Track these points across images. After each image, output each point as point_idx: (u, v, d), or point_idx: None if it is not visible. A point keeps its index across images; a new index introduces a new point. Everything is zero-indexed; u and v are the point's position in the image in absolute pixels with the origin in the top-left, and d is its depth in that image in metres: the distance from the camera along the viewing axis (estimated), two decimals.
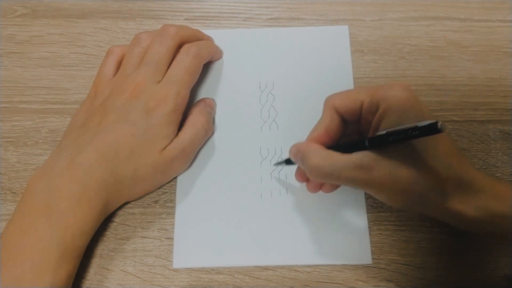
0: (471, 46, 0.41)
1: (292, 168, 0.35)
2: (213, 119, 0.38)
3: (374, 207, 0.35)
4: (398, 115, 0.27)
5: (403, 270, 0.33)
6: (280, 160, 0.36)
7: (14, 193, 0.36)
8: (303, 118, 0.38)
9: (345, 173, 0.27)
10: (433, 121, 0.23)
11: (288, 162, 0.33)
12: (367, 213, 0.35)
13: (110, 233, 0.35)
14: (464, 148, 0.37)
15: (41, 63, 0.42)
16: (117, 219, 0.35)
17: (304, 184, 0.34)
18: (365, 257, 0.33)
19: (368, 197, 0.35)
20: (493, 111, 0.38)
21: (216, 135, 0.38)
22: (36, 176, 0.32)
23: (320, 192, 0.34)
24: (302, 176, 0.33)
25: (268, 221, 0.35)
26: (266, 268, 0.33)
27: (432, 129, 0.23)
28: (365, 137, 0.28)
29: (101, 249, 0.34)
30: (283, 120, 0.38)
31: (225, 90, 0.40)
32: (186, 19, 0.44)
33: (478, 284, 0.33)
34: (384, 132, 0.26)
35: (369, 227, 0.34)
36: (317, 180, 0.31)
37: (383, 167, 0.26)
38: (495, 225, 0.28)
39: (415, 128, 0.24)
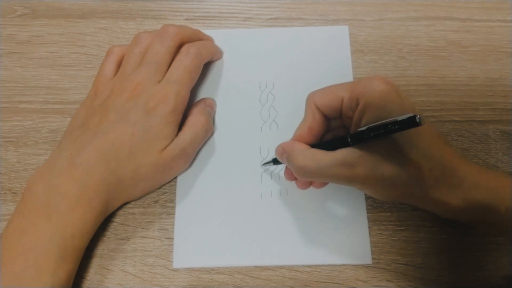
0: (471, 46, 0.41)
1: None
2: (213, 119, 0.38)
3: (374, 207, 0.35)
4: (378, 109, 0.27)
5: (403, 270, 0.33)
6: (267, 160, 0.36)
7: (14, 193, 0.36)
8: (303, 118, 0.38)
9: (330, 171, 0.27)
10: (412, 114, 0.23)
11: (275, 161, 0.34)
12: (367, 213, 0.35)
13: (110, 233, 0.35)
14: (464, 148, 0.37)
15: (41, 63, 0.42)
16: (117, 219, 0.35)
17: None
18: (365, 257, 0.33)
19: (368, 197, 0.35)
20: (493, 111, 0.38)
21: (216, 135, 0.38)
22: (36, 176, 0.32)
23: (320, 192, 0.34)
24: (291, 174, 0.33)
25: (268, 221, 0.35)
26: (266, 268, 0.33)
27: (411, 122, 0.23)
28: (348, 134, 0.28)
29: (101, 249, 0.34)
30: (283, 120, 0.38)
31: (225, 90, 0.40)
32: (186, 19, 0.44)
33: (478, 284, 0.33)
34: (365, 128, 0.26)
35: (369, 227, 0.34)
36: (304, 179, 0.31)
37: (365, 164, 0.27)
38: (480, 215, 0.28)
39: (395, 123, 0.24)
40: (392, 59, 0.41)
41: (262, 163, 0.36)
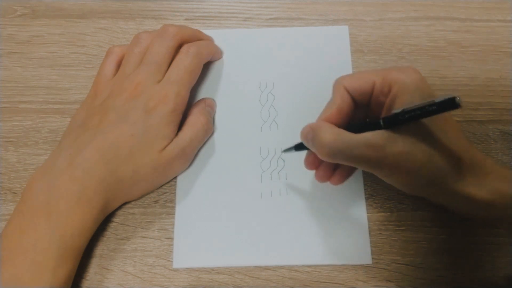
0: (471, 46, 0.41)
1: (292, 168, 0.35)
2: (213, 119, 0.38)
3: (374, 207, 0.35)
4: (411, 95, 0.27)
5: (403, 270, 0.33)
6: (289, 146, 0.34)
7: (14, 193, 0.36)
8: (303, 118, 0.38)
9: (358, 151, 0.26)
10: (451, 95, 0.22)
11: (298, 147, 0.33)
12: (367, 213, 0.35)
13: (110, 233, 0.35)
14: None
15: (41, 63, 0.42)
16: (117, 219, 0.35)
17: (305, 184, 0.34)
18: (365, 257, 0.33)
19: (368, 197, 0.35)
20: (493, 111, 0.38)
21: (216, 135, 0.38)
22: (36, 176, 0.32)
23: (320, 191, 0.34)
24: (312, 162, 0.32)
25: (268, 221, 0.35)
26: (266, 268, 0.33)
27: (451, 104, 0.22)
28: (379, 119, 0.27)
29: (101, 249, 0.34)
30: (283, 120, 0.38)
31: (225, 90, 0.40)
32: (186, 19, 0.44)
33: (478, 284, 0.33)
34: (400, 110, 0.26)
35: (369, 227, 0.34)
36: (327, 159, 0.29)
37: (397, 145, 0.26)
38: (507, 208, 0.28)
39: (433, 104, 0.23)
40: (392, 59, 0.41)
41: (283, 149, 0.35)
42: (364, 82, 0.29)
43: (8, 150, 0.38)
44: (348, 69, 0.40)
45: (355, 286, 0.33)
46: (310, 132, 0.29)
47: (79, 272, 0.32)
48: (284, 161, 0.37)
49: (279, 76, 0.40)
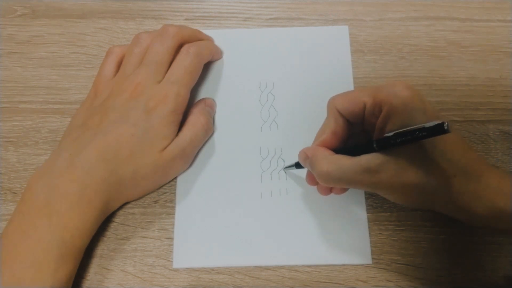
0: (471, 46, 0.41)
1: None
2: (213, 119, 0.38)
3: (374, 207, 0.35)
4: (402, 116, 0.27)
5: (403, 270, 0.33)
6: (289, 163, 0.35)
7: (14, 193, 0.36)
8: (303, 118, 0.38)
9: (355, 177, 0.27)
10: (440, 122, 0.23)
11: (298, 165, 0.33)
12: (367, 213, 0.35)
13: (110, 233, 0.35)
14: None
15: (41, 63, 0.42)
16: (117, 219, 0.35)
17: (305, 184, 0.34)
18: (365, 257, 0.33)
19: (368, 197, 0.35)
20: (493, 111, 0.38)
21: (216, 135, 0.38)
22: (36, 176, 0.32)
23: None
24: (313, 179, 0.32)
25: (268, 221, 0.35)
26: (266, 268, 0.33)
27: (439, 129, 0.23)
28: (373, 139, 0.27)
29: (101, 249, 0.34)
30: (283, 120, 0.38)
31: (225, 90, 0.40)
32: (186, 19, 0.44)
33: (478, 284, 0.33)
34: (391, 134, 0.26)
35: (369, 227, 0.34)
36: (327, 185, 0.31)
37: (391, 170, 0.26)
38: (506, 222, 0.27)
39: (422, 129, 0.24)
40: (392, 59, 0.41)
41: (284, 167, 0.36)
42: (355, 103, 0.29)
43: (8, 150, 0.38)
44: (348, 69, 0.40)
45: (355, 286, 0.33)
46: (307, 159, 0.30)
47: (79, 272, 0.32)
48: (284, 161, 0.37)
49: (279, 76, 0.40)
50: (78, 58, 0.42)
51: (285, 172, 0.36)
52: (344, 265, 0.33)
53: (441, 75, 0.40)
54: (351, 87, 0.39)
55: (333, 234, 0.34)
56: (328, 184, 0.30)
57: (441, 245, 0.34)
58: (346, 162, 0.27)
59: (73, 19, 0.44)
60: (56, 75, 0.41)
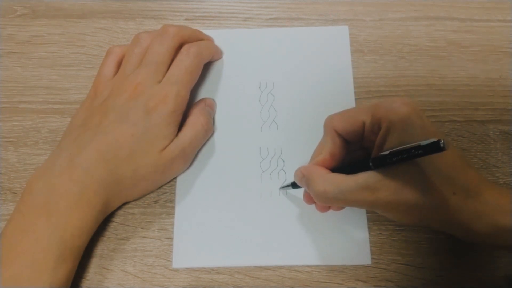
0: (471, 46, 0.41)
1: (292, 168, 0.35)
2: (213, 119, 0.38)
3: None
4: (401, 133, 0.26)
5: (403, 270, 0.33)
6: (286, 183, 0.35)
7: (14, 193, 0.36)
8: (303, 118, 0.38)
9: (352, 197, 0.27)
10: (435, 139, 0.22)
11: (294, 185, 0.33)
12: (367, 213, 0.35)
13: (110, 233, 0.35)
14: (464, 148, 0.37)
15: (41, 63, 0.42)
16: (117, 219, 0.35)
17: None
18: (365, 257, 0.33)
19: None
20: (493, 111, 0.38)
21: (216, 135, 0.38)
22: (35, 175, 0.32)
23: None
24: (310, 198, 0.32)
25: (267, 221, 0.35)
26: (266, 268, 0.33)
27: (435, 147, 0.22)
28: (369, 158, 0.27)
29: (101, 249, 0.34)
30: (283, 120, 0.38)
31: (225, 90, 0.40)
32: (186, 19, 0.44)
33: (478, 284, 0.33)
34: (387, 152, 0.26)
35: (369, 227, 0.34)
36: (324, 204, 0.31)
37: (388, 188, 0.26)
38: (505, 240, 0.27)
39: (418, 147, 0.23)
40: (392, 59, 0.41)
41: (280, 186, 0.36)
42: (354, 123, 0.29)
43: (8, 150, 0.38)
44: (348, 69, 0.40)
45: (355, 286, 0.33)
46: (303, 178, 0.30)
47: (79, 272, 0.32)
48: (284, 161, 0.37)
49: (279, 76, 0.40)
50: (78, 58, 0.42)
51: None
52: (344, 265, 0.33)
53: (441, 75, 0.40)
54: (351, 87, 0.39)
55: (333, 234, 0.34)
56: (326, 203, 0.30)
57: (441, 245, 0.34)
58: (342, 181, 0.27)
59: (73, 19, 0.44)
60: (56, 75, 0.41)
